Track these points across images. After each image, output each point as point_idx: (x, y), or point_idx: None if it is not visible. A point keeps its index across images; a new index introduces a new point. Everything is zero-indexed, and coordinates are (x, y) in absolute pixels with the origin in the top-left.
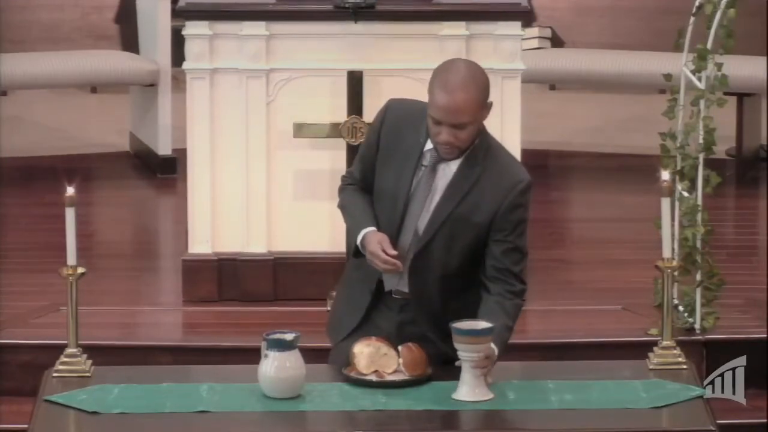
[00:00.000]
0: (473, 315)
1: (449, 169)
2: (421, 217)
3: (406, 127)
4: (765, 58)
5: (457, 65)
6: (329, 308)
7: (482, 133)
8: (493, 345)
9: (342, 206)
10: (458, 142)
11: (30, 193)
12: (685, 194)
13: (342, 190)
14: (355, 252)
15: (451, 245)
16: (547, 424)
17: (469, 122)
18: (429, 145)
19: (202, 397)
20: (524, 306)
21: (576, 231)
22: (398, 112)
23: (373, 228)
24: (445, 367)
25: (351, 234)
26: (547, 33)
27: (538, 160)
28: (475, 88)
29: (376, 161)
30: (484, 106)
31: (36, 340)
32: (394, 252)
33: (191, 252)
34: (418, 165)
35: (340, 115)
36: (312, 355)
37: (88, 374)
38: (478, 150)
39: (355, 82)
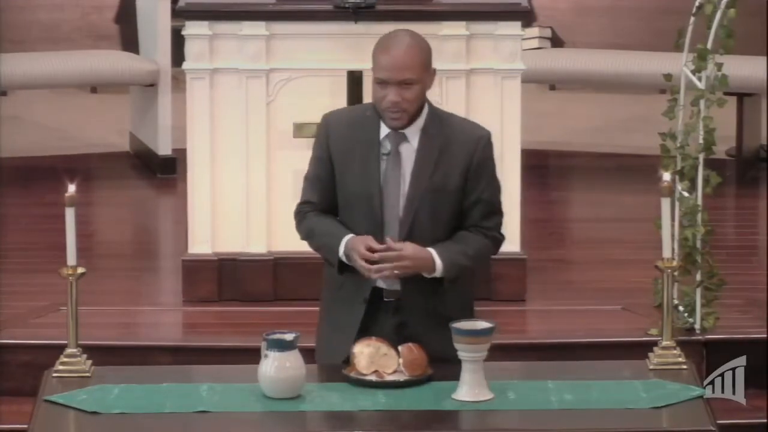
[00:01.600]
0: (466, 302)
1: (411, 149)
2: (400, 205)
3: (354, 127)
4: (765, 58)
5: (398, 32)
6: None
7: (430, 106)
8: (437, 257)
9: (308, 231)
10: (405, 104)
11: (30, 193)
12: (685, 194)
13: (301, 222)
14: (340, 267)
15: (435, 220)
16: (547, 424)
17: (414, 81)
18: (384, 132)
19: (202, 397)
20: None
21: (576, 231)
22: (339, 119)
23: (350, 234)
24: (445, 367)
25: (329, 252)
26: (547, 33)
27: (538, 160)
28: (417, 47)
29: (335, 173)
30: (428, 69)
31: (36, 340)
32: (380, 247)
33: (191, 252)
34: (379, 156)
35: None
36: (312, 355)
37: (88, 374)
38: (432, 121)
39: (355, 82)
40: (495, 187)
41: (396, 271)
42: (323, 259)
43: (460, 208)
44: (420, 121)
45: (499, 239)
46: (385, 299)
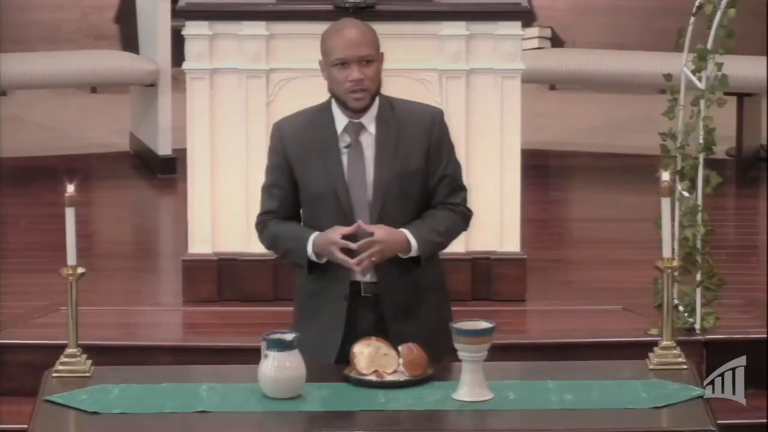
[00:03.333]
0: (440, 280)
1: (371, 137)
2: (367, 194)
3: (308, 128)
4: (765, 58)
5: (343, 18)
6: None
7: (379, 93)
8: (411, 237)
9: (272, 239)
10: (367, 81)
11: (30, 193)
12: (685, 194)
13: (263, 231)
14: (310, 267)
15: (403, 203)
16: (547, 424)
17: (373, 58)
18: (341, 125)
19: (202, 397)
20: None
21: (576, 231)
22: (291, 123)
23: (315, 233)
24: (445, 367)
25: (296, 254)
26: (547, 33)
27: (538, 160)
28: (368, 27)
29: (296, 177)
30: (380, 51)
31: (36, 340)
32: (350, 228)
33: (191, 252)
34: (339, 150)
35: None
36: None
37: (88, 374)
38: (384, 107)
39: None
40: (456, 163)
41: (373, 259)
42: (292, 263)
43: (425, 188)
44: (374, 109)
45: (468, 214)
46: (364, 295)
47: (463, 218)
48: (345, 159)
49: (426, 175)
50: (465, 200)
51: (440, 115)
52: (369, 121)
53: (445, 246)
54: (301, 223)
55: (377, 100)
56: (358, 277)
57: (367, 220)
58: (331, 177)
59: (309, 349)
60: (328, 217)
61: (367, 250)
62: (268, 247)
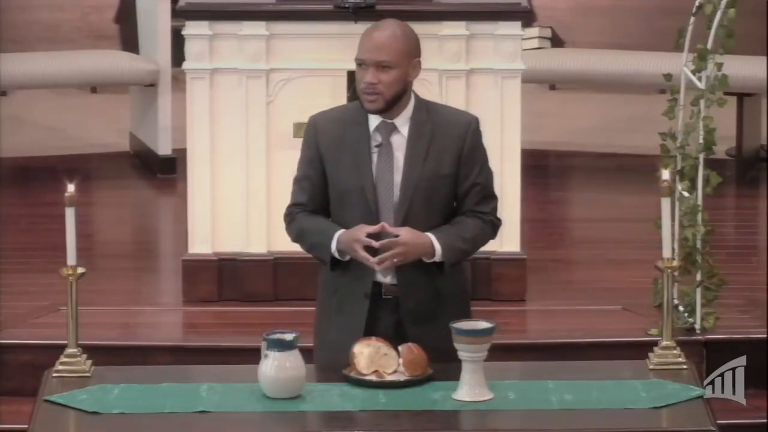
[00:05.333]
0: (464, 291)
1: (402, 139)
2: (394, 195)
3: (343, 124)
4: (765, 58)
5: (387, 19)
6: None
7: (416, 97)
8: (436, 241)
9: (299, 232)
10: (381, 86)
11: (30, 193)
12: (685, 194)
13: (290, 224)
14: (333, 264)
15: (429, 207)
16: (547, 424)
17: (392, 65)
18: (374, 125)
19: (202, 397)
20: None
21: (576, 231)
22: (326, 118)
23: (341, 230)
24: (445, 367)
25: (320, 249)
26: (547, 33)
27: (538, 160)
28: (402, 34)
29: (326, 171)
30: (409, 58)
31: (36, 340)
32: (375, 228)
33: (191, 252)
34: (371, 149)
35: None
36: (312, 356)
37: (88, 374)
38: (420, 109)
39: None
40: (488, 172)
41: (395, 260)
42: (315, 258)
43: (453, 194)
44: (408, 111)
45: (497, 224)
46: (384, 296)
47: (491, 227)
48: (375, 157)
49: (456, 181)
50: (495, 209)
51: (475, 122)
52: (402, 122)
53: (471, 254)
54: (330, 219)
55: (412, 102)
56: (380, 278)
57: (392, 221)
58: (360, 175)
59: (331, 349)
60: (355, 215)
61: (390, 250)
62: (294, 239)
